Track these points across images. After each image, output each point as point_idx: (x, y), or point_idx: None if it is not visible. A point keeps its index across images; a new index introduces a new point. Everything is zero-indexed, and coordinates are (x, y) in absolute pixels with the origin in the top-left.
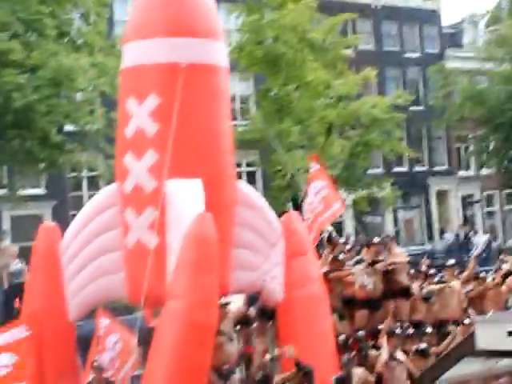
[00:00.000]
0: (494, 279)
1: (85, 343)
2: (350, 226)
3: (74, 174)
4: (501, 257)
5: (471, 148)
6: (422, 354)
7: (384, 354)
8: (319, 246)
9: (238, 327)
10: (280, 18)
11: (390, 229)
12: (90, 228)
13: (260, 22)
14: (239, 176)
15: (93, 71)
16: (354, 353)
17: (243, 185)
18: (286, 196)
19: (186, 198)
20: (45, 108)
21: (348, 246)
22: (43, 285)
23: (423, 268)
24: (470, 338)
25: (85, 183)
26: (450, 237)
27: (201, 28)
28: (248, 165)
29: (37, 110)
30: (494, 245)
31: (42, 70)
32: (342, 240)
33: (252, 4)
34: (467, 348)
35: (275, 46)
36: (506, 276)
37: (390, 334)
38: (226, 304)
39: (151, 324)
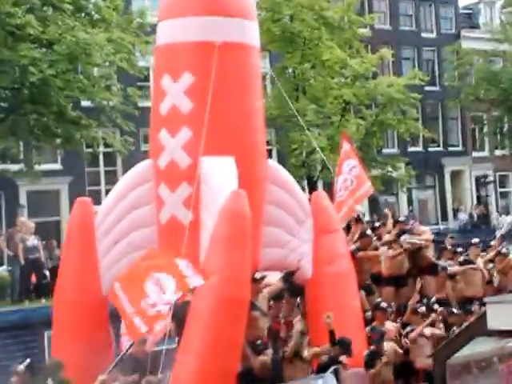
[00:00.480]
0: None
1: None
2: (363, 206)
3: (90, 150)
4: None
5: (486, 129)
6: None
7: (414, 333)
8: (347, 225)
9: (272, 302)
10: None
11: (404, 209)
12: (124, 203)
13: (277, 0)
14: None
15: (109, 47)
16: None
17: (273, 163)
18: (301, 175)
19: (221, 176)
20: (61, 83)
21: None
22: (78, 258)
23: (448, 247)
24: (482, 317)
25: (101, 159)
26: (463, 217)
27: (235, 7)
28: None
29: (53, 84)
30: None
31: (58, 45)
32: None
33: None
34: (479, 328)
35: (292, 24)
36: None
37: (415, 311)
38: (262, 278)
39: (184, 299)
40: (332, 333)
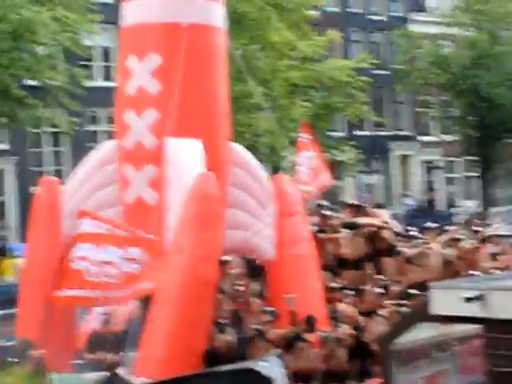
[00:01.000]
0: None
1: None
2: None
3: (35, 130)
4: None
5: (434, 113)
6: None
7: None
8: None
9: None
10: None
11: (350, 193)
12: (90, 183)
13: None
14: None
15: (54, 25)
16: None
17: (237, 145)
18: None
19: (187, 157)
20: (5, 61)
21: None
22: (45, 238)
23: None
24: (426, 303)
25: (46, 139)
26: (410, 202)
27: None
28: None
29: None
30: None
31: (2, 23)
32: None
33: None
34: (422, 313)
35: (239, 5)
36: (483, 241)
37: (374, 293)
38: (227, 262)
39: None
40: (293, 313)
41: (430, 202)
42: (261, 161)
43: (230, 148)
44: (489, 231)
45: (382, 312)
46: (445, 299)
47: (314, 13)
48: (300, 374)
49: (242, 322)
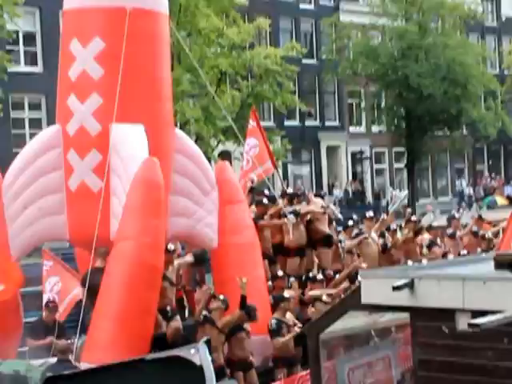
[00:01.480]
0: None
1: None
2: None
3: None
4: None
5: (363, 104)
6: None
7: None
8: None
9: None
10: None
11: (278, 183)
12: (32, 168)
13: None
14: None
15: None
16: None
17: (180, 133)
18: None
19: (131, 143)
20: None
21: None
22: None
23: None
24: (356, 292)
25: None
26: (338, 193)
27: None
28: None
29: None
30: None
31: None
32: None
33: None
34: (352, 302)
35: None
36: (418, 231)
37: (314, 280)
38: (174, 251)
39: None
40: (244, 297)
41: (358, 193)
42: None
43: (173, 134)
44: (425, 221)
45: (324, 299)
46: (374, 288)
47: (242, 0)
48: (237, 362)
49: (185, 310)
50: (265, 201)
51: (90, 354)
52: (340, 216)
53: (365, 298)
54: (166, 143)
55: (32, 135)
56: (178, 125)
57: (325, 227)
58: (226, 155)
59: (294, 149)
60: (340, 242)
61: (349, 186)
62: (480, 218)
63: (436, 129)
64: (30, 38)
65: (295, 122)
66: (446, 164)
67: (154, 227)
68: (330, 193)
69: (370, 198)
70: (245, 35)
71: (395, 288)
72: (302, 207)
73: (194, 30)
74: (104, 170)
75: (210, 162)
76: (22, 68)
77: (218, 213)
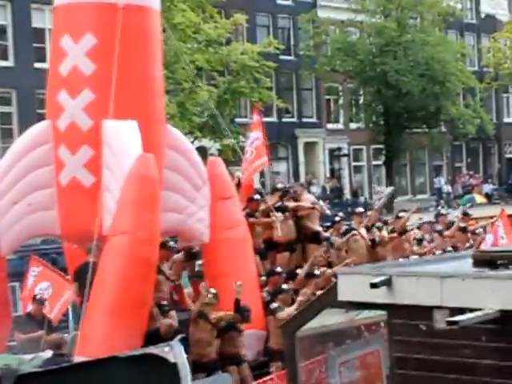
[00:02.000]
0: (392, 230)
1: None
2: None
3: None
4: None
5: (341, 101)
6: None
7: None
8: None
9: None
10: None
11: (255, 180)
12: (22, 164)
13: None
14: None
15: None
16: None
17: (172, 128)
18: None
19: (124, 139)
20: None
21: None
22: None
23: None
24: (332, 289)
25: None
26: (316, 190)
27: None
28: None
29: None
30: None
31: None
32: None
33: None
34: (329, 299)
35: None
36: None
37: (309, 276)
38: (168, 246)
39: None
40: (238, 301)
41: (336, 190)
42: None
43: (165, 130)
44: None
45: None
46: (351, 285)
47: None
48: (229, 357)
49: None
50: (256, 197)
51: (84, 348)
52: (328, 212)
53: (341, 296)
54: (158, 139)
55: (3, 130)
56: None
57: (314, 224)
58: (202, 151)
59: (271, 145)
60: (328, 239)
61: (326, 183)
62: (466, 214)
63: (414, 126)
64: (0, 32)
65: (272, 119)
66: (425, 161)
67: (150, 221)
68: (308, 190)
69: (347, 195)
70: (221, 31)
71: (373, 285)
72: (291, 203)
73: (169, 24)
74: (96, 165)
75: None
76: None
77: (210, 208)
